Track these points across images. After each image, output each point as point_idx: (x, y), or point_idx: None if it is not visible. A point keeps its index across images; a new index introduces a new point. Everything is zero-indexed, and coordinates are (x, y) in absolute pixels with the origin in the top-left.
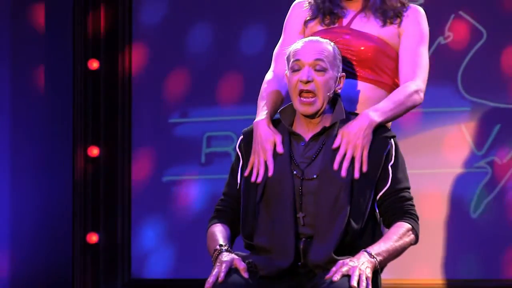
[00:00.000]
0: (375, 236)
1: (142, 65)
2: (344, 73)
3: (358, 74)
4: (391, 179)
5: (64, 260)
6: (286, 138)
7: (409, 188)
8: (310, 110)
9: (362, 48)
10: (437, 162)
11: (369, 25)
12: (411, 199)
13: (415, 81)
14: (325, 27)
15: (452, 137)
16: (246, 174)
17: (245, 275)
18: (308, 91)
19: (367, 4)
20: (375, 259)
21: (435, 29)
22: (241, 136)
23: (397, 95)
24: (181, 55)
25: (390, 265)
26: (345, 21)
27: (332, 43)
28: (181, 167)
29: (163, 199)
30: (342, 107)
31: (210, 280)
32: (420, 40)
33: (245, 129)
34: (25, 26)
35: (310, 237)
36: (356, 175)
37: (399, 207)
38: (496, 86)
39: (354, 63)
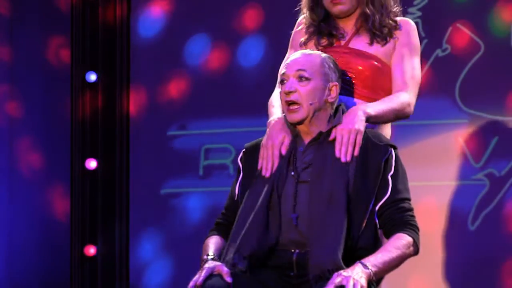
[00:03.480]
0: (376, 247)
1: (140, 78)
2: (336, 83)
3: (356, 92)
4: (391, 189)
5: (62, 272)
6: (293, 140)
7: (409, 200)
8: (296, 117)
9: (360, 67)
10: (435, 174)
11: (366, 44)
12: (411, 209)
13: (408, 93)
14: (321, 48)
15: (449, 149)
16: (259, 167)
17: (228, 279)
18: (292, 102)
19: (362, 24)
20: (370, 270)
21: (433, 42)
22: (244, 150)
23: (390, 101)
24: (179, 68)
25: (387, 278)
26: (343, 41)
27: (323, 55)
28: (179, 179)
29: (161, 212)
30: (341, 117)
31: (190, 285)
32: (413, 51)
33: (248, 144)
34: (24, 38)
35: (303, 247)
36: (348, 158)
37: (399, 217)
38: (494, 98)
39: (353, 81)
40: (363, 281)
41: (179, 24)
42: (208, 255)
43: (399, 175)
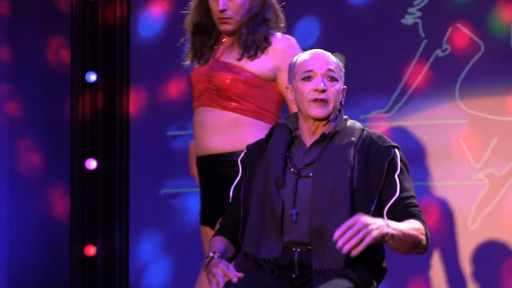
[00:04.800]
0: (381, 247)
1: (140, 78)
2: (345, 86)
3: (218, 103)
4: (400, 189)
5: (62, 272)
6: (285, 144)
7: (415, 197)
8: (324, 113)
9: (224, 79)
10: (435, 175)
11: (236, 57)
12: (418, 206)
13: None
14: (201, 63)
15: (450, 149)
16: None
17: (235, 274)
18: (322, 99)
19: (236, 39)
20: (390, 229)
21: (433, 42)
22: (245, 151)
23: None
24: (179, 68)
25: (387, 277)
26: (217, 55)
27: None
28: (179, 179)
29: (161, 212)
30: (342, 118)
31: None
32: None
33: (249, 144)
34: (24, 38)
35: (305, 246)
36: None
37: (408, 212)
38: (494, 98)
39: (214, 92)
40: (375, 234)
41: (179, 24)
42: (214, 252)
43: (405, 174)
